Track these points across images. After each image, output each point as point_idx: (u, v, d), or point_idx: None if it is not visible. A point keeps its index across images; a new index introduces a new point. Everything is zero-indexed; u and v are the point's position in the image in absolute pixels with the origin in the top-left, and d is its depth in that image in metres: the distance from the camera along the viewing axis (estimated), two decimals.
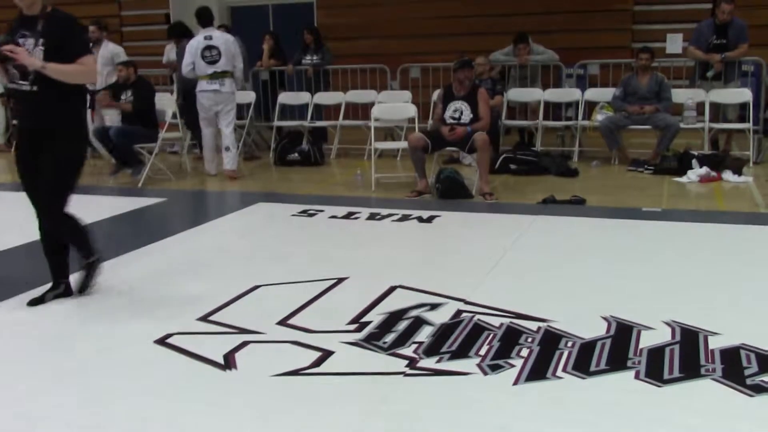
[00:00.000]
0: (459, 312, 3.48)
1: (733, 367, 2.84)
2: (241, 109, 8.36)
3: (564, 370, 2.85)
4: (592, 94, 8.33)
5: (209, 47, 7.38)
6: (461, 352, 3.03)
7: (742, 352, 2.95)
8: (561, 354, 2.99)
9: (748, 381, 2.72)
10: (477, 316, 3.41)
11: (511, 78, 8.71)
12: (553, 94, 8.49)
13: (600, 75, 9.18)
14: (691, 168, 6.84)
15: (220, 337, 3.24)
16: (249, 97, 8.86)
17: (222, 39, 7.49)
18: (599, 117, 7.92)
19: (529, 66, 8.62)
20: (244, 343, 3.15)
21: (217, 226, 5.58)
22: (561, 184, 6.73)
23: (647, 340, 3.10)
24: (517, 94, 8.54)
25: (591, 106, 8.27)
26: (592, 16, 10.32)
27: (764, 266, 4.20)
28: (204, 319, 3.46)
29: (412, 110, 7.51)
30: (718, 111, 7.83)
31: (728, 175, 6.74)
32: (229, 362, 2.98)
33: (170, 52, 9.54)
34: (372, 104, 8.33)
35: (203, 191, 7.21)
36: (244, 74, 8.30)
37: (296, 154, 8.24)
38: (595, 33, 10.16)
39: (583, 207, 5.85)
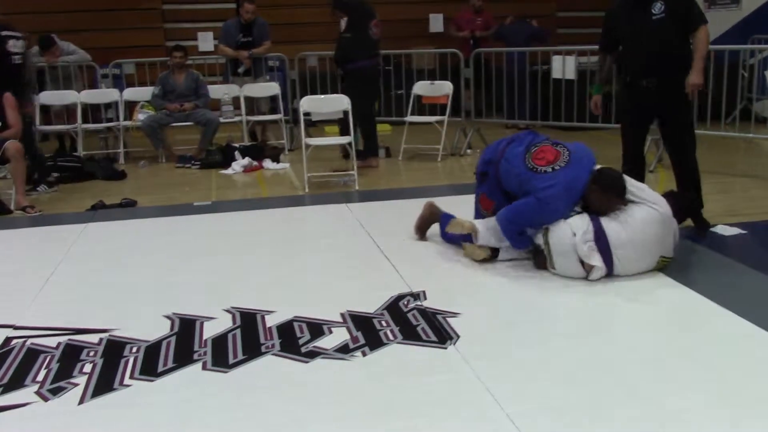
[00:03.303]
0: (9, 339, 3.16)
1: (289, 339, 3.08)
2: None
3: (132, 377, 2.79)
4: (131, 93, 8.17)
5: None
6: (15, 383, 2.76)
7: (295, 324, 3.22)
8: (127, 361, 2.92)
9: (303, 349, 2.98)
10: (29, 341, 3.14)
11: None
12: (91, 96, 8.14)
13: (137, 74, 9.07)
14: (235, 160, 7.20)
15: None
16: None
17: None
18: (141, 116, 7.84)
19: (61, 67, 8.13)
20: None
21: None
22: (110, 187, 6.52)
23: (210, 331, 3.19)
24: (50, 97, 7.99)
25: (131, 106, 8.14)
26: (121, 14, 10.15)
27: (311, 240, 4.63)
28: None
29: None
30: (252, 104, 8.33)
31: (268, 163, 7.25)
32: None
33: None
34: None
35: None
36: None
37: None
38: (126, 31, 10.02)
39: (136, 209, 5.75)
